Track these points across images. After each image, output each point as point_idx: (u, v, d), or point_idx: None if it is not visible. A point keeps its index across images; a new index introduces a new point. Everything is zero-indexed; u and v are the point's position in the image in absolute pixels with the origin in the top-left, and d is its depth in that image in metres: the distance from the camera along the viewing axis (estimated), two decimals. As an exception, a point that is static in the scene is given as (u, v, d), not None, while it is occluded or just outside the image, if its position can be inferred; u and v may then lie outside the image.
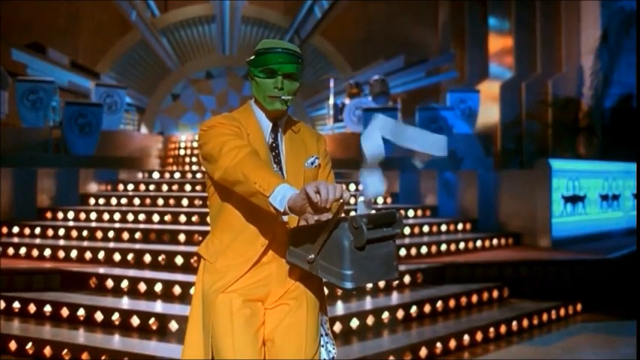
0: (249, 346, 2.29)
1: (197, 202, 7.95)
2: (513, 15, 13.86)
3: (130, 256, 6.52)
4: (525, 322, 6.10)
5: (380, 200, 8.15)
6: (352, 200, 7.99)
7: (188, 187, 8.46)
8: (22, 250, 6.97)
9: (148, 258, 6.45)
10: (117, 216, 7.76)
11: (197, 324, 2.39)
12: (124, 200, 8.34)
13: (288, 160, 2.41)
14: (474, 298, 6.34)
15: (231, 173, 2.15)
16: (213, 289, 2.34)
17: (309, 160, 2.44)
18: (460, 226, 8.41)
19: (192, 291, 5.70)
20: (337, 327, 5.11)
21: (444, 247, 7.43)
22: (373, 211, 2.23)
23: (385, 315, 5.51)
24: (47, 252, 6.84)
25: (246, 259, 2.35)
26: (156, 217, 7.60)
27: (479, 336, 5.58)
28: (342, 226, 2.12)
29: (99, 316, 5.36)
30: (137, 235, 7.09)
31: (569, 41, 13.43)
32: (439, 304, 5.98)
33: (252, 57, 2.39)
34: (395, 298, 5.99)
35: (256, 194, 2.08)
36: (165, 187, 8.64)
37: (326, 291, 2.52)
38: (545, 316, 6.38)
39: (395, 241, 2.26)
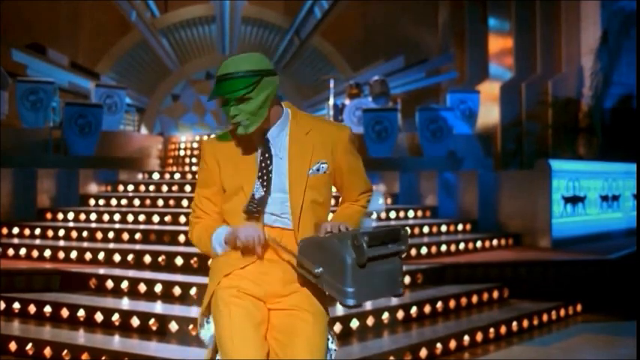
0: (248, 338, 2.29)
1: (197, 202, 7.92)
2: (513, 15, 13.83)
3: (130, 257, 6.52)
4: (525, 323, 6.10)
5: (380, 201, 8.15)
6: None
7: (188, 188, 8.45)
8: (22, 251, 6.96)
9: (147, 259, 6.45)
10: (117, 217, 7.76)
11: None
12: (124, 201, 8.33)
13: (291, 166, 2.36)
14: (474, 299, 6.33)
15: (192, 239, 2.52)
16: (217, 284, 2.38)
17: (314, 166, 2.37)
18: (460, 227, 8.40)
19: (192, 292, 5.73)
20: (337, 327, 5.10)
21: (444, 247, 7.43)
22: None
23: (385, 315, 5.51)
24: (47, 253, 6.83)
25: (248, 259, 2.36)
26: (156, 218, 7.60)
27: (479, 336, 5.58)
28: (345, 243, 2.13)
29: (99, 317, 5.36)
30: (137, 235, 7.09)
31: (569, 41, 13.41)
32: (439, 304, 5.98)
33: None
34: (395, 298, 5.97)
35: (209, 253, 2.44)
36: (165, 188, 8.63)
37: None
38: (545, 317, 6.38)
39: (400, 258, 2.25)
